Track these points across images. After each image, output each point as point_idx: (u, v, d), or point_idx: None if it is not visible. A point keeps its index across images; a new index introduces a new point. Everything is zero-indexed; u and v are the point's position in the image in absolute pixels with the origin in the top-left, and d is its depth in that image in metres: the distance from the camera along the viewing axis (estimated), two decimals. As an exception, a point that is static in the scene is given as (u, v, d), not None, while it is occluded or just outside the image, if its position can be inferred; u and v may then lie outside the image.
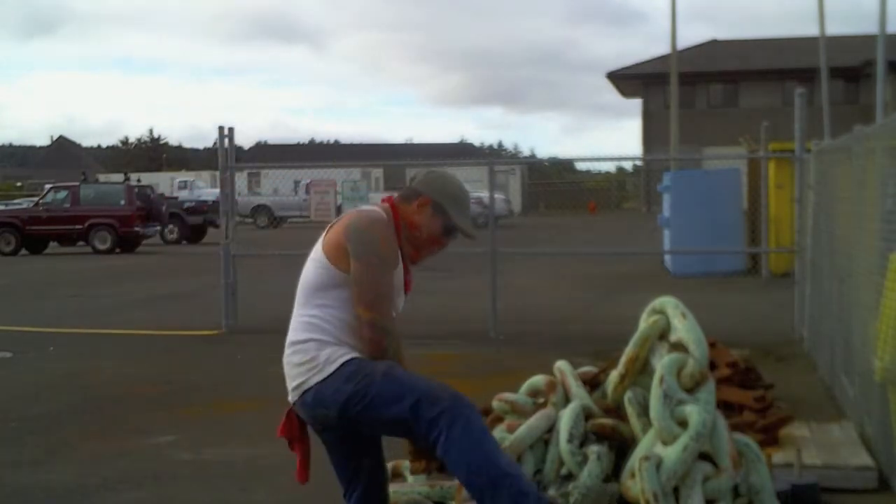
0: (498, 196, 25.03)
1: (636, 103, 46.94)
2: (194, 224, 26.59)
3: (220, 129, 9.86)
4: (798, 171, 8.84)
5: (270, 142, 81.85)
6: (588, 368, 4.29)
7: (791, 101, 9.69)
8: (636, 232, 19.31)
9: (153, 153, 77.36)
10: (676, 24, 27.49)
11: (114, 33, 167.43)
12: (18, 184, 53.25)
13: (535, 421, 3.84)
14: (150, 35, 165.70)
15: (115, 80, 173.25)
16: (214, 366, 8.08)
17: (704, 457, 3.47)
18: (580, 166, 48.29)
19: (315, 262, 3.22)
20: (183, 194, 34.78)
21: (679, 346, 3.58)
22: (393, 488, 3.69)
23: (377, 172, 45.50)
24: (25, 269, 19.24)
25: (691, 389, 3.52)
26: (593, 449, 3.67)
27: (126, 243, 23.34)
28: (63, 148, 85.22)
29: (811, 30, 37.02)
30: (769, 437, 4.68)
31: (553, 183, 44.14)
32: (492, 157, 60.63)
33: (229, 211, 9.98)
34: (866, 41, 24.65)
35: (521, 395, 4.09)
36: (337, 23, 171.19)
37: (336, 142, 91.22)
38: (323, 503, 4.12)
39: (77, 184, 24.22)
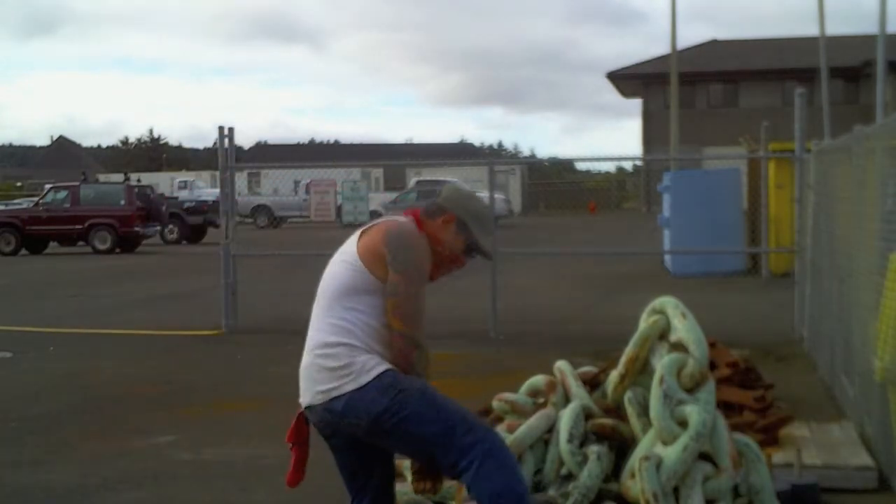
0: (498, 196, 25.05)
1: (636, 103, 46.94)
2: (194, 224, 26.59)
3: (220, 129, 9.86)
4: (798, 171, 8.84)
5: (270, 142, 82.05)
6: (588, 368, 4.29)
7: (791, 101, 9.68)
8: (636, 232, 19.32)
9: (153, 153, 77.38)
10: (676, 24, 27.53)
11: (114, 33, 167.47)
12: (18, 184, 53.25)
13: (535, 421, 3.84)
14: (150, 35, 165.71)
15: (115, 80, 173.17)
16: (214, 366, 8.08)
17: (704, 457, 3.47)
18: (580, 166, 48.41)
19: (349, 264, 3.16)
20: (183, 194, 34.78)
21: (679, 346, 3.58)
22: (393, 488, 3.69)
23: (377, 172, 45.49)
24: (25, 269, 19.24)
25: (691, 389, 3.52)
26: (593, 449, 3.67)
27: (126, 243, 23.34)
28: (63, 148, 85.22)
29: (811, 30, 37.04)
30: (769, 437, 4.68)
31: (553, 183, 44.13)
32: (492, 157, 60.59)
33: (229, 211, 9.97)
34: (866, 41, 24.65)
35: (521, 395, 4.10)
36: (337, 23, 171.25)
37: (336, 142, 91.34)
38: (323, 503, 4.12)
39: (77, 184, 24.22)
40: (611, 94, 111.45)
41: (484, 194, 7.92)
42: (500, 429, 3.86)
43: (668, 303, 3.74)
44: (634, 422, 3.65)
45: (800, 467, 4.20)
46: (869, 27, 30.01)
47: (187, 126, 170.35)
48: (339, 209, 29.86)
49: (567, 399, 3.94)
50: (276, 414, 5.51)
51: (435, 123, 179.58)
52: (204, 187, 39.68)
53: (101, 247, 22.91)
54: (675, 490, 3.40)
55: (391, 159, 54.29)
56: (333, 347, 3.07)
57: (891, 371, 4.15)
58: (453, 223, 3.25)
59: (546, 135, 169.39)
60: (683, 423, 3.43)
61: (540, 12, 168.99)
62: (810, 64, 25.10)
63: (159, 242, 26.19)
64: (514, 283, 12.45)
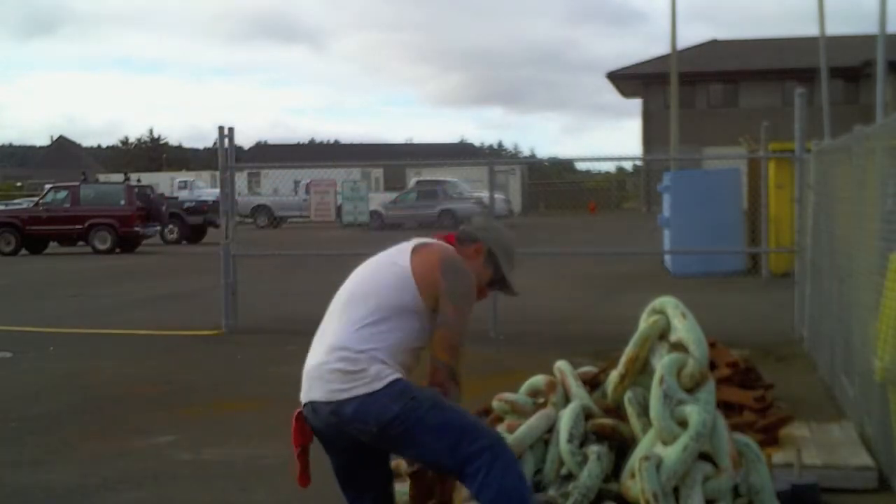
0: (498, 196, 25.06)
1: (636, 103, 46.94)
2: (194, 224, 26.59)
3: (220, 129, 9.86)
4: (798, 171, 8.84)
5: (270, 142, 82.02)
6: (588, 368, 4.29)
7: (791, 101, 9.68)
8: (636, 232, 19.30)
9: (153, 153, 77.37)
10: (676, 24, 27.53)
11: (114, 33, 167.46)
12: (18, 184, 53.25)
13: (535, 421, 3.83)
14: (150, 35, 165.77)
15: (115, 80, 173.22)
16: (214, 366, 8.08)
17: (704, 457, 3.47)
18: (580, 166, 48.33)
19: (398, 277, 3.13)
20: (183, 194, 34.81)
21: (679, 346, 3.58)
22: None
23: (377, 172, 45.49)
24: (25, 269, 19.24)
25: (691, 389, 3.51)
26: (593, 449, 3.67)
27: (126, 243, 23.35)
28: (63, 148, 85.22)
29: (811, 30, 37.05)
30: (769, 437, 4.68)
31: (553, 183, 44.08)
32: (492, 157, 60.58)
33: (229, 211, 9.97)
34: (866, 41, 24.64)
35: (521, 395, 4.09)
36: (337, 23, 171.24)
37: (336, 142, 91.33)
38: (323, 503, 4.12)
39: (77, 184, 24.23)
40: (611, 94, 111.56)
41: (484, 194, 7.92)
42: (500, 429, 3.86)
43: (668, 303, 3.74)
44: (634, 422, 3.64)
45: (800, 467, 4.20)
46: (869, 27, 30.01)
47: (187, 126, 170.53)
48: (339, 209, 29.84)
49: (567, 399, 3.94)
50: (276, 414, 5.51)
51: (435, 123, 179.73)
52: (204, 187, 39.70)
53: (101, 247, 22.92)
54: (675, 490, 3.40)
55: (391, 159, 54.28)
56: (356, 353, 3.04)
57: (891, 371, 4.15)
58: (483, 254, 3.25)
59: (546, 135, 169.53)
60: (683, 423, 3.43)
61: (540, 12, 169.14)
62: (810, 64, 25.09)
63: (159, 242, 26.19)
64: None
